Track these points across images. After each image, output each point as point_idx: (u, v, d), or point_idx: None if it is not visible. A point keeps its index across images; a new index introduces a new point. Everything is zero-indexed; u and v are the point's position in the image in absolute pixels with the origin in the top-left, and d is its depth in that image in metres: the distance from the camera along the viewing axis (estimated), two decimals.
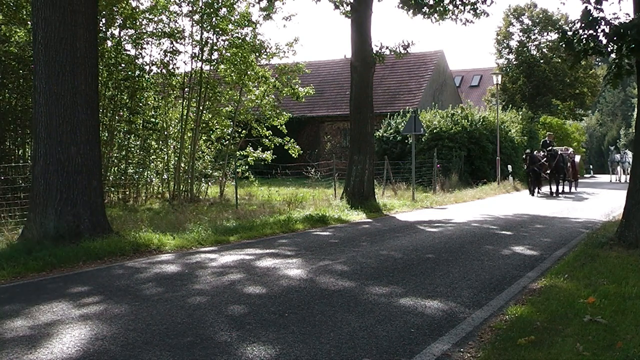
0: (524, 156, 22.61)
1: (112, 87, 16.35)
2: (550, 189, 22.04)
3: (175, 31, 16.83)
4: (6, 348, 4.49)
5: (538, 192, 21.88)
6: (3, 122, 14.21)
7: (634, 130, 10.17)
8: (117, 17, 15.95)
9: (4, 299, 6.06)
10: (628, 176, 29.58)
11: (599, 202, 18.46)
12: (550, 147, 22.15)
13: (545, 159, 21.69)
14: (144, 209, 14.72)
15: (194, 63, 17.26)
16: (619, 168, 33.34)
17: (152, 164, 17.56)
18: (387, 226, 12.39)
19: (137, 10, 16.33)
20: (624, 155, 32.48)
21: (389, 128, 27.12)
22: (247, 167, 18.62)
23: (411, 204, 17.20)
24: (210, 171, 18.29)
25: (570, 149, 26.39)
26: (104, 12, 14.82)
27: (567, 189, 23.61)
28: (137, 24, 16.47)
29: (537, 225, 12.45)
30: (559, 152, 22.33)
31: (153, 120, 17.31)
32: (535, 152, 22.49)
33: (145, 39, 16.87)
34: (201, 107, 17.29)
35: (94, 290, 6.46)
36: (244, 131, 18.94)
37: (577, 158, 26.33)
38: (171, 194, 16.97)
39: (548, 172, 21.82)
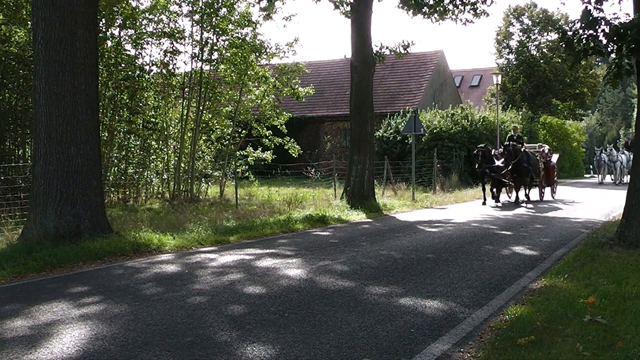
0: (475, 152, 17.92)
1: (112, 87, 16.34)
2: (517, 196, 17.66)
3: (175, 31, 16.82)
4: (6, 348, 4.49)
5: (497, 201, 17.45)
6: (3, 122, 14.21)
7: (634, 130, 10.17)
8: (117, 17, 15.94)
9: (4, 299, 6.06)
10: (625, 176, 29.17)
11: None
12: (513, 143, 17.11)
13: (502, 158, 17.07)
14: (144, 209, 14.72)
15: (194, 63, 17.26)
16: (602, 169, 31.22)
17: (152, 164, 17.55)
18: (387, 226, 12.39)
19: (137, 10, 16.32)
20: (611, 155, 29.97)
21: (389, 128, 27.15)
22: (247, 167, 18.61)
23: (411, 204, 17.20)
24: (210, 171, 18.29)
25: (546, 147, 20.64)
26: (104, 12, 14.81)
27: (537, 195, 18.67)
28: (137, 24, 16.46)
29: (537, 225, 12.44)
30: (524, 150, 17.40)
31: (153, 120, 17.31)
32: (494, 151, 18.23)
33: (145, 39, 16.86)
34: (201, 107, 17.28)
35: (94, 290, 6.46)
36: (244, 131, 18.92)
37: (555, 158, 20.74)
38: (171, 194, 16.96)
39: (503, 173, 17.12)
